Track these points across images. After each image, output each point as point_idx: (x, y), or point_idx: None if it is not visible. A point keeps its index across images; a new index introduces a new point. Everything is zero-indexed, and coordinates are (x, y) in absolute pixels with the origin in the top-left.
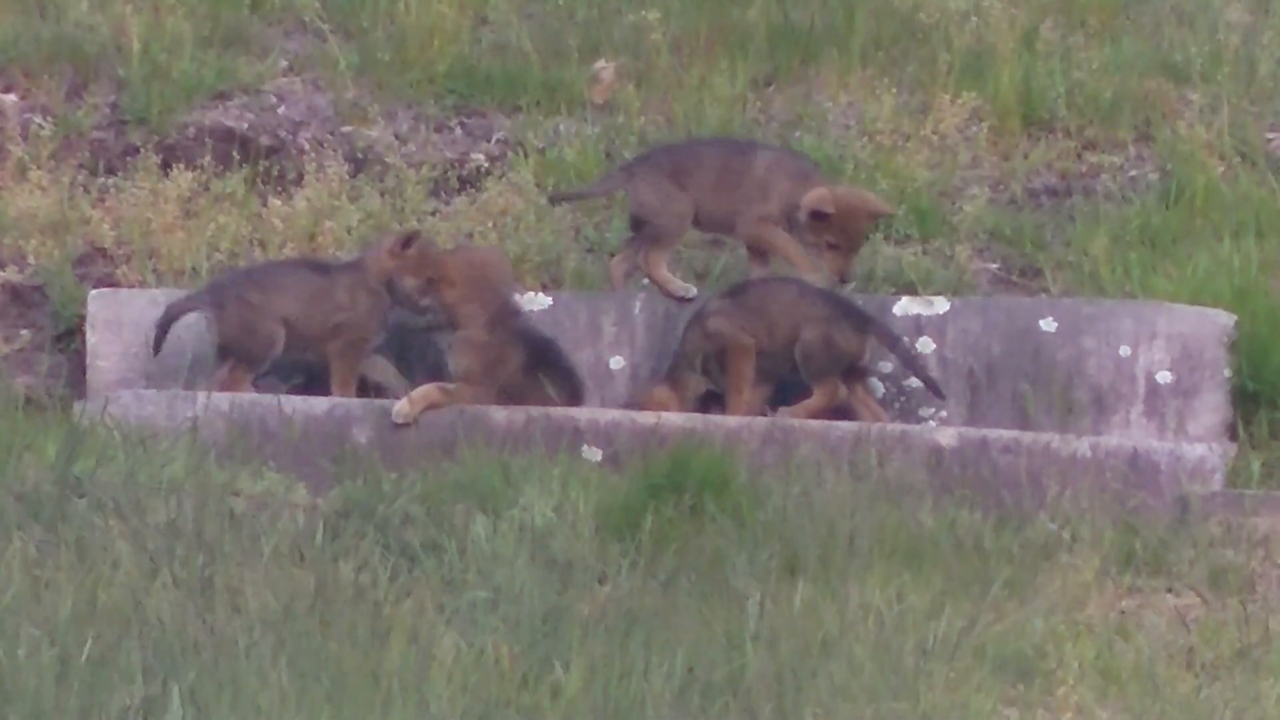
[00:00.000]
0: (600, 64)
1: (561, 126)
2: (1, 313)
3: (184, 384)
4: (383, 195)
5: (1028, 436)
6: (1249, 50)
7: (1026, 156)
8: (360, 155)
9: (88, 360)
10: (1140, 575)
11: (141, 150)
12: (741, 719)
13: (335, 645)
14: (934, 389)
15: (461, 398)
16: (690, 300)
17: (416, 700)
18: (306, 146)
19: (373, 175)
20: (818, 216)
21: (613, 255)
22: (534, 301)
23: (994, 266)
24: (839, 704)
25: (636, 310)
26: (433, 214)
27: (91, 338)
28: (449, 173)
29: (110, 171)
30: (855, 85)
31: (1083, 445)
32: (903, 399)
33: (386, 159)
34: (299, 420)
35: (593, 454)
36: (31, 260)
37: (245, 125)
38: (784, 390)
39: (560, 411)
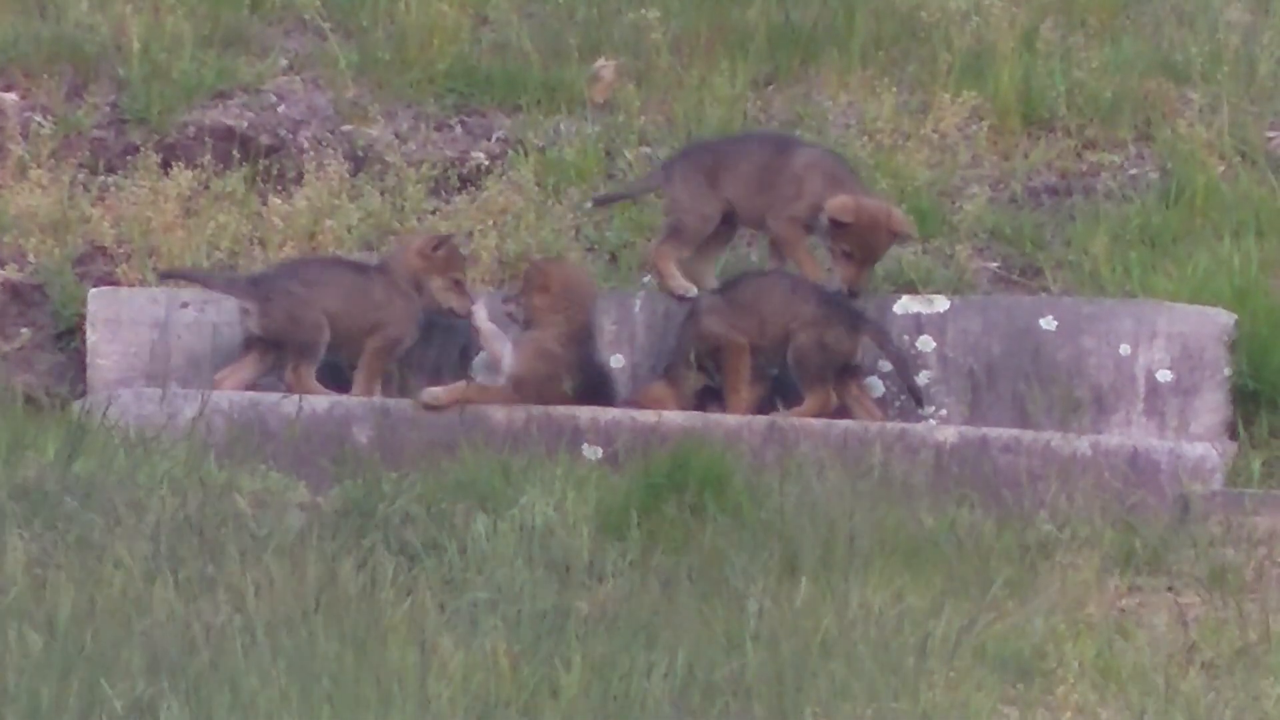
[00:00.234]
0: (600, 63)
1: (561, 126)
2: (1, 312)
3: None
4: (383, 194)
5: (1028, 435)
6: (1249, 50)
7: (1026, 156)
8: (360, 154)
9: (88, 359)
10: (1140, 574)
11: (141, 149)
12: (741, 719)
13: (335, 645)
14: (916, 397)
15: (496, 399)
16: (689, 300)
17: (417, 700)
18: (306, 145)
19: (373, 174)
20: (837, 224)
21: (613, 255)
22: None
23: (994, 265)
24: (839, 703)
25: (636, 309)
26: (433, 213)
27: (91, 337)
28: (449, 171)
29: (110, 170)
30: (855, 85)
31: (1083, 444)
32: (902, 398)
33: (387, 158)
34: (299, 420)
35: (593, 453)
36: (31, 259)
37: (245, 124)
38: (783, 390)
39: (560, 410)
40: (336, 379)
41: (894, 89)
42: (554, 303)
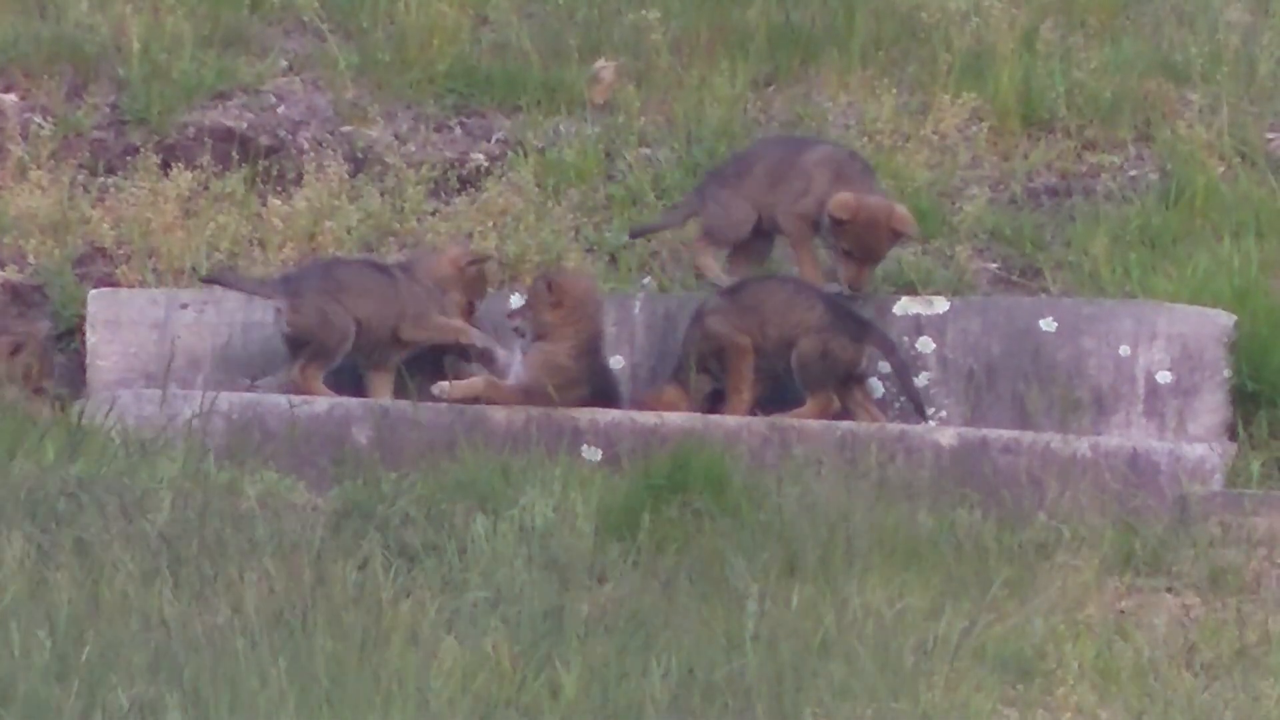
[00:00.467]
0: (600, 64)
1: (561, 126)
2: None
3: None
4: (382, 195)
5: (1028, 436)
6: (1249, 50)
7: (1026, 156)
8: (360, 155)
9: (87, 360)
10: (1140, 575)
11: (141, 150)
12: (741, 719)
13: (335, 645)
14: (918, 407)
15: (506, 399)
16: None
17: (416, 700)
18: (306, 146)
19: (372, 175)
20: (837, 221)
21: (612, 256)
22: None
23: (994, 266)
24: (839, 704)
25: (636, 310)
26: (433, 214)
27: (91, 337)
28: (449, 172)
29: (110, 171)
30: (855, 85)
31: (1083, 445)
32: (902, 399)
33: (386, 159)
34: (298, 420)
35: (593, 454)
36: (31, 260)
37: (245, 125)
38: (783, 392)
39: (560, 412)
40: (336, 382)
41: (894, 90)
42: (566, 317)
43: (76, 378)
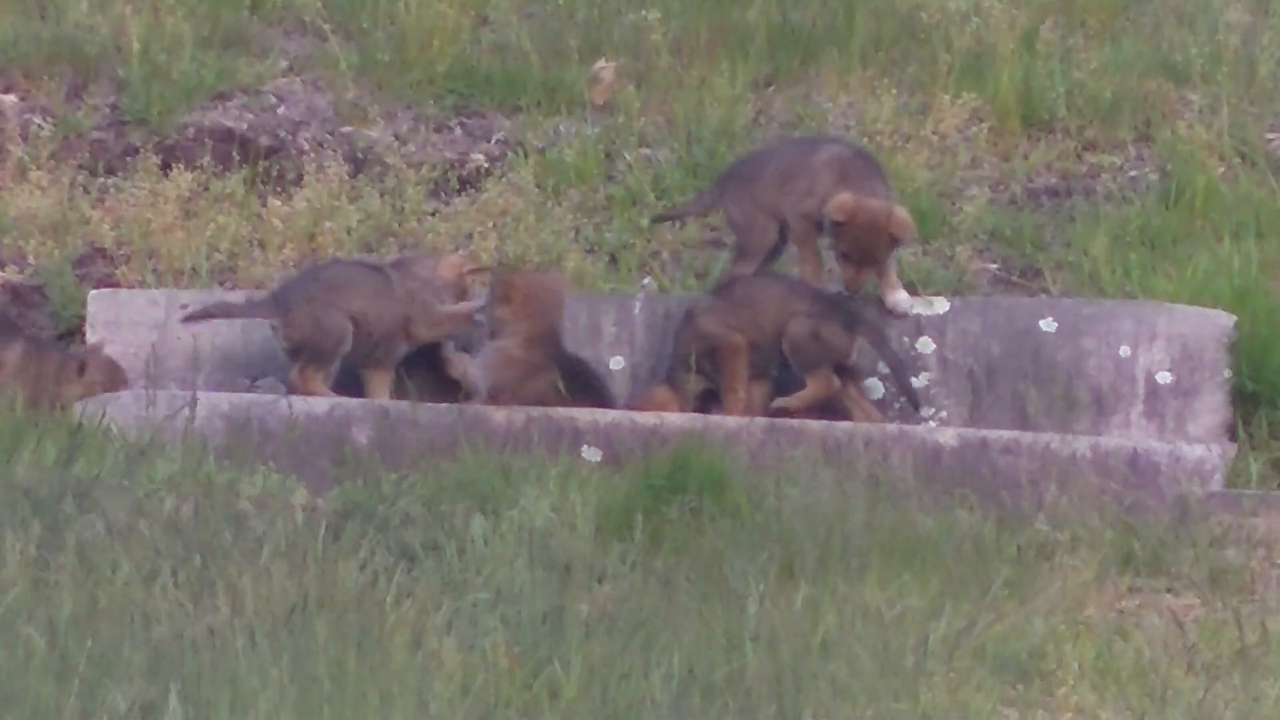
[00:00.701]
0: (600, 64)
1: (561, 127)
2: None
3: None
4: (383, 196)
5: (1027, 437)
6: (1249, 51)
7: (1026, 157)
8: (360, 155)
9: None
10: (1140, 576)
11: (141, 151)
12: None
13: (335, 646)
14: (913, 400)
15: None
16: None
17: (416, 701)
18: (306, 147)
19: (373, 175)
20: (835, 222)
21: (612, 256)
22: None
23: (994, 267)
24: (839, 704)
25: (636, 311)
26: (433, 214)
27: (91, 338)
28: (449, 173)
29: (110, 172)
30: (855, 86)
31: (1082, 446)
32: (902, 400)
33: (386, 159)
34: (299, 420)
35: (592, 454)
36: (31, 260)
37: (245, 125)
38: (784, 388)
39: (560, 412)
40: (335, 382)
41: (894, 90)
42: (516, 312)
43: None
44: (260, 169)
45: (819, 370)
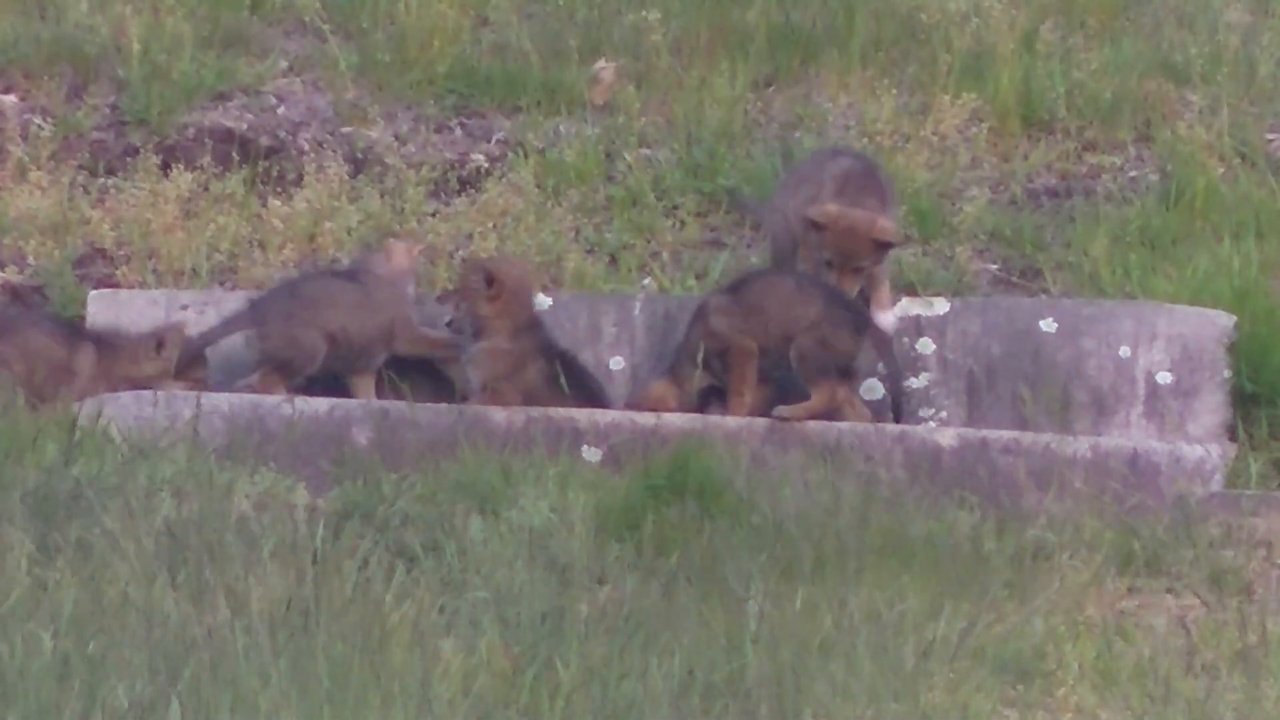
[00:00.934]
0: (600, 64)
1: (561, 127)
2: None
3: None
4: (383, 196)
5: (1027, 437)
6: (1249, 51)
7: (1026, 157)
8: (360, 156)
9: None
10: (1140, 576)
11: (141, 151)
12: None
13: (335, 646)
14: (896, 410)
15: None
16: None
17: (416, 701)
18: (306, 147)
19: (373, 176)
20: (817, 227)
21: (612, 257)
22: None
23: (994, 267)
24: (839, 705)
25: (636, 311)
26: (433, 215)
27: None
28: (449, 173)
29: (110, 172)
30: (855, 86)
31: (1082, 446)
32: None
33: (386, 160)
34: (299, 421)
35: (592, 454)
36: (31, 261)
37: (245, 126)
38: (786, 392)
39: (560, 412)
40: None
41: (894, 90)
42: (503, 308)
43: None
44: (260, 169)
45: (823, 383)
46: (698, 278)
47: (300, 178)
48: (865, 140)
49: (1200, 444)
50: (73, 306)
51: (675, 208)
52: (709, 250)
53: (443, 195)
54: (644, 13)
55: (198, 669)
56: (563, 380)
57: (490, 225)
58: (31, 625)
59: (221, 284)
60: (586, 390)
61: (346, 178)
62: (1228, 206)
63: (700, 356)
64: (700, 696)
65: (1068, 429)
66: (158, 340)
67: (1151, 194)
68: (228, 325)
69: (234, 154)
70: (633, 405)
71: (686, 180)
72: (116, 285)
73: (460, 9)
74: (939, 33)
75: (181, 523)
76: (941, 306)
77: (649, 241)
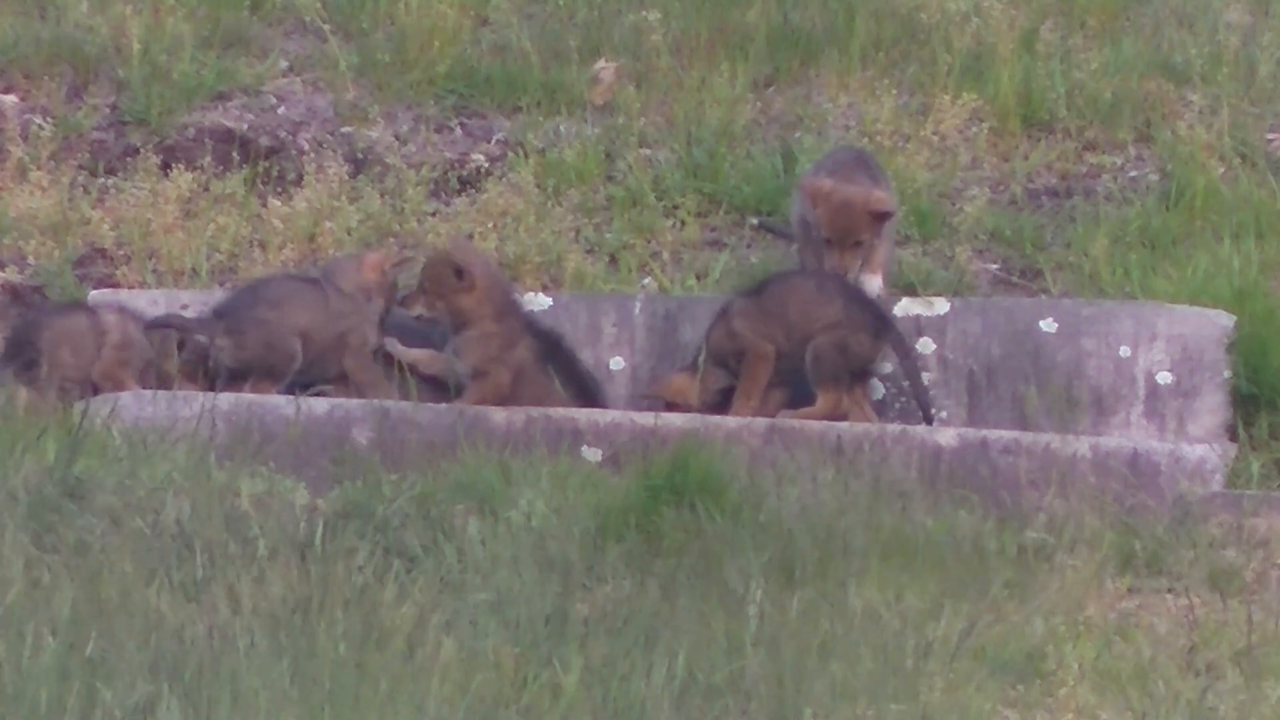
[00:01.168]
0: (600, 65)
1: (561, 127)
2: (1, 313)
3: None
4: (383, 196)
5: (1027, 437)
6: (1249, 51)
7: (1026, 158)
8: (360, 156)
9: None
10: (1140, 576)
11: (141, 151)
12: None
13: (335, 646)
14: (926, 412)
15: (485, 399)
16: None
17: (416, 701)
18: (306, 147)
19: (373, 176)
20: (811, 202)
21: (612, 257)
22: (534, 302)
23: (994, 267)
24: (839, 705)
25: (636, 311)
26: (433, 215)
27: None
28: (449, 173)
29: (110, 172)
30: (855, 86)
31: (1082, 446)
32: (903, 399)
33: (386, 160)
34: (300, 421)
35: (592, 455)
36: (31, 261)
37: (245, 126)
38: (801, 394)
39: (560, 412)
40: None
41: (894, 91)
42: (483, 296)
43: None
44: (260, 169)
45: (831, 389)
46: (698, 278)
47: (300, 178)
48: (865, 140)
49: (1200, 444)
50: None
51: (675, 208)
52: (709, 250)
53: (443, 195)
54: (644, 13)
55: (197, 669)
56: (553, 370)
57: (490, 225)
58: (31, 625)
59: (221, 284)
60: (575, 377)
61: (346, 178)
62: (1228, 206)
63: (716, 354)
64: (700, 697)
65: (1068, 429)
66: (180, 339)
67: (1151, 194)
68: (198, 325)
69: (234, 154)
70: (653, 395)
71: (686, 180)
72: (116, 285)
73: (460, 9)
74: (939, 33)
75: (182, 523)
76: (941, 306)
77: (649, 241)
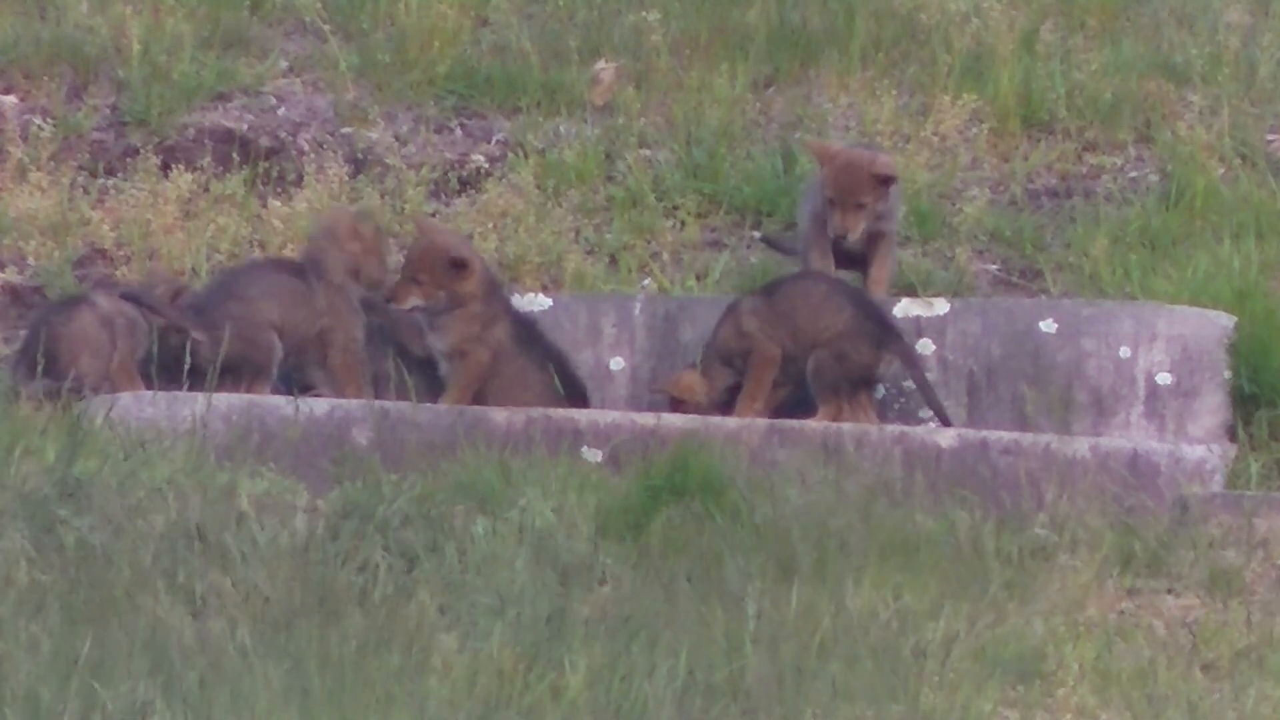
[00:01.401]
0: (600, 65)
1: (561, 128)
2: (1, 313)
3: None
4: (383, 196)
5: (1027, 438)
6: (1249, 52)
7: (1026, 158)
8: (360, 156)
9: None
10: (1140, 577)
11: (141, 151)
12: None
13: (335, 646)
14: (942, 417)
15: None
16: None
17: (416, 702)
18: (306, 148)
19: (373, 176)
20: (817, 162)
21: (612, 257)
22: (534, 302)
23: (994, 268)
24: (839, 705)
25: (636, 312)
26: (433, 215)
27: None
28: (449, 174)
29: (110, 173)
30: (855, 87)
31: (1082, 447)
32: (902, 400)
33: (386, 160)
34: (299, 421)
35: (593, 455)
36: (31, 261)
37: (245, 126)
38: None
39: (560, 412)
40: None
41: (894, 91)
42: (480, 279)
43: None
44: (260, 170)
45: (832, 400)
46: (698, 278)
47: (300, 178)
48: (865, 141)
49: (1200, 444)
50: None
51: (675, 208)
52: (709, 251)
53: (443, 196)
54: (644, 13)
55: (197, 669)
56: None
57: (490, 226)
58: (31, 625)
59: None
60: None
61: (346, 178)
62: (1228, 207)
63: (724, 352)
64: (701, 697)
65: (1068, 429)
66: (174, 291)
67: (1151, 194)
68: (176, 316)
69: (234, 154)
70: (662, 390)
71: (686, 181)
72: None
73: (460, 9)
74: (939, 33)
75: (181, 523)
76: (941, 307)
77: (649, 242)
